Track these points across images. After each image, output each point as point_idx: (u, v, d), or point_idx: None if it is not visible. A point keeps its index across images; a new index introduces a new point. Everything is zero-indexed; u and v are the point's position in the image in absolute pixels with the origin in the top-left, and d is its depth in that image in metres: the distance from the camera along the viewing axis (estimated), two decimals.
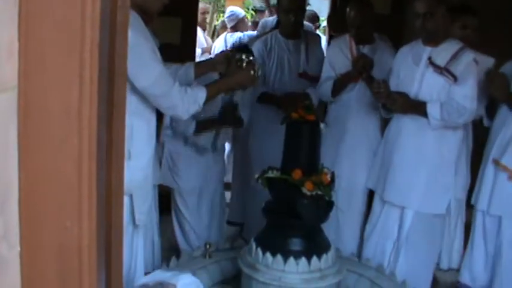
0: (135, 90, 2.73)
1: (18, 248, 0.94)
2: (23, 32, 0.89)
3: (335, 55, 4.21)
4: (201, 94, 2.88)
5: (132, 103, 2.75)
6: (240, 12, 6.91)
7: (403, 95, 3.59)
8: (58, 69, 0.89)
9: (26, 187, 0.90)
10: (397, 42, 4.19)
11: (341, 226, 4.11)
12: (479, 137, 3.95)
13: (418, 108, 3.55)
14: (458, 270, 4.07)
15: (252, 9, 10.91)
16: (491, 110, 3.84)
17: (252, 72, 3.04)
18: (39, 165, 0.91)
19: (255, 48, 4.39)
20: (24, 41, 0.89)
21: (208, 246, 3.47)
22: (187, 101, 2.83)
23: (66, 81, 0.89)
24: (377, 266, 3.55)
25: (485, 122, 3.91)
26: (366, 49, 4.10)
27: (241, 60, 3.07)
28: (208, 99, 2.93)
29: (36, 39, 0.89)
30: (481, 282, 3.87)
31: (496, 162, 3.67)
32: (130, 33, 2.58)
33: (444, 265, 4.20)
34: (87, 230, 0.93)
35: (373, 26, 4.08)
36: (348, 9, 4.06)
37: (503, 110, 3.70)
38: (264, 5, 7.60)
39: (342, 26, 4.36)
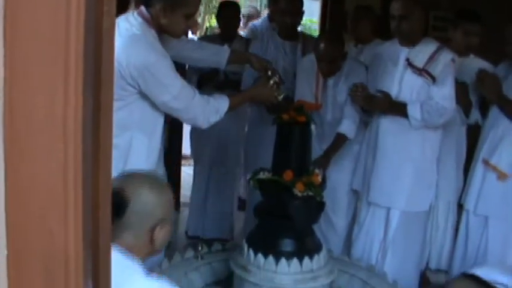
0: (139, 104, 2.75)
1: (6, 252, 0.94)
2: (8, 40, 0.89)
3: (300, 77, 4.15)
4: (223, 104, 2.93)
5: (134, 116, 2.77)
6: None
7: (386, 95, 3.61)
8: (43, 75, 0.89)
9: (12, 194, 0.91)
10: (378, 36, 4.23)
11: (326, 227, 4.12)
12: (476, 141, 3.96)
13: (398, 109, 3.57)
14: (447, 272, 4.11)
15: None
16: (484, 110, 3.87)
17: (275, 93, 3.13)
18: (24, 172, 0.91)
19: (254, 48, 4.42)
20: (9, 48, 0.89)
21: (200, 248, 3.47)
22: (209, 111, 2.88)
23: (50, 87, 0.89)
24: (369, 266, 3.56)
25: (482, 124, 3.93)
26: (332, 80, 4.04)
27: (272, 78, 3.13)
28: (231, 109, 2.98)
29: (21, 46, 0.89)
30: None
31: (486, 162, 3.69)
32: (151, 52, 2.64)
33: (433, 265, 4.23)
34: (73, 236, 0.93)
35: (343, 59, 4.01)
36: (318, 42, 3.99)
37: (494, 111, 3.73)
38: (251, 10, 7.54)
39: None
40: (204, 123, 2.94)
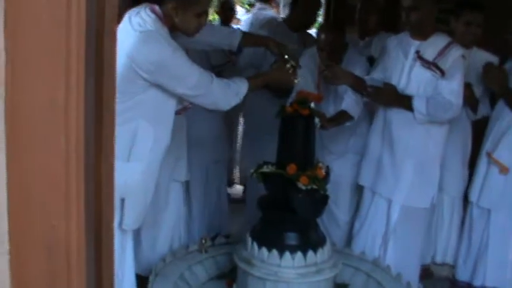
0: (147, 95, 2.76)
1: (7, 247, 0.94)
2: (10, 32, 0.88)
3: (302, 69, 4.14)
4: (243, 87, 2.99)
5: (142, 106, 2.78)
6: None
7: (391, 87, 3.58)
8: (44, 69, 0.89)
9: (14, 186, 0.90)
10: (391, 33, 4.19)
11: (328, 221, 4.12)
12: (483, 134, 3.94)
13: (403, 101, 3.53)
14: (453, 266, 4.10)
15: (247, 4, 10.89)
16: (493, 103, 3.85)
17: (292, 77, 3.18)
18: (26, 165, 0.91)
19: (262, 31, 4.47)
20: (11, 42, 0.88)
21: (204, 241, 3.47)
22: (230, 94, 2.95)
23: (52, 80, 0.89)
24: (373, 260, 3.55)
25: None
26: None
27: (289, 62, 3.18)
28: (251, 91, 3.04)
29: (22, 40, 0.89)
30: (459, 275, 3.94)
31: (489, 155, 3.68)
32: (166, 47, 2.67)
33: (438, 259, 4.22)
34: (75, 229, 0.93)
35: (344, 49, 4.00)
36: (319, 32, 4.00)
37: (499, 104, 3.71)
38: None
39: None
40: (225, 106, 3.01)
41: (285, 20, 4.71)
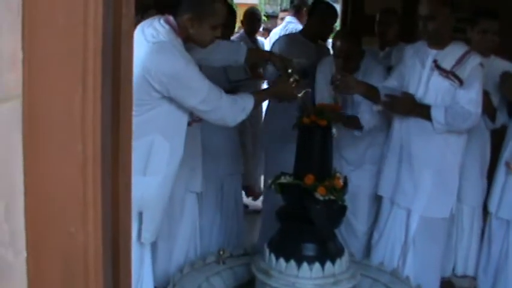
0: (163, 109, 2.78)
1: (25, 254, 0.95)
2: (27, 41, 0.90)
3: (319, 79, 4.16)
4: (249, 102, 2.99)
5: (157, 120, 2.80)
6: None
7: (409, 96, 3.57)
8: (61, 77, 0.90)
9: (31, 193, 0.91)
10: (405, 40, 4.19)
11: (346, 232, 4.10)
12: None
13: (421, 111, 3.51)
14: (474, 277, 4.06)
15: (264, 15, 10.93)
16: (510, 112, 3.82)
17: (295, 90, 3.17)
18: (44, 172, 0.91)
19: (278, 44, 4.48)
20: (28, 50, 0.90)
21: (222, 252, 3.47)
22: (236, 110, 2.94)
23: (69, 88, 0.90)
24: (391, 271, 3.53)
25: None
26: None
27: (292, 76, 3.20)
28: (256, 106, 3.05)
29: (40, 48, 0.90)
30: (481, 287, 3.89)
31: (507, 165, 3.64)
32: (179, 59, 2.70)
33: (459, 271, 4.17)
34: (93, 237, 0.94)
35: (361, 56, 4.02)
36: (335, 39, 4.01)
37: None
38: (276, 11, 7.63)
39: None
40: (232, 122, 3.00)
41: (303, 31, 4.74)
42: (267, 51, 3.81)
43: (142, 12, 3.59)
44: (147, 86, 2.68)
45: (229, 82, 4.10)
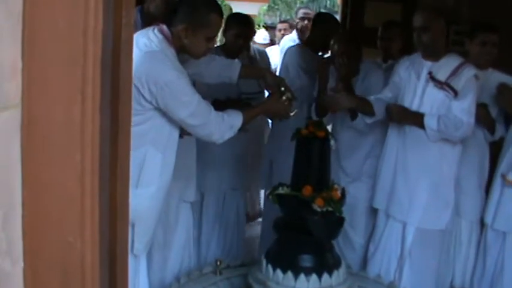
0: (155, 121, 2.77)
1: (22, 264, 0.94)
2: (26, 50, 0.90)
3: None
4: (237, 120, 2.95)
5: (150, 132, 2.79)
6: None
7: (396, 104, 3.60)
8: (60, 86, 0.90)
9: (29, 202, 0.91)
10: (408, 53, 4.19)
11: (343, 244, 4.09)
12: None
13: (415, 118, 3.52)
14: None
15: (263, 26, 10.96)
16: (509, 124, 3.83)
17: (287, 109, 3.15)
18: (42, 181, 0.92)
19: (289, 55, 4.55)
20: (28, 59, 0.90)
21: (219, 263, 3.46)
22: (224, 128, 2.90)
23: (68, 97, 0.90)
24: (389, 283, 3.52)
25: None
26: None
27: (285, 94, 3.15)
28: (245, 124, 3.01)
29: (39, 57, 0.90)
30: None
31: (503, 178, 3.65)
32: (170, 69, 2.68)
33: (457, 284, 4.16)
34: (90, 246, 0.94)
35: (360, 59, 4.05)
36: (334, 42, 4.05)
37: None
38: (275, 22, 7.62)
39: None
40: (218, 139, 2.96)
41: (306, 42, 4.75)
42: (262, 68, 3.78)
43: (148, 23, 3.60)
44: (137, 95, 2.66)
45: (241, 94, 4.09)
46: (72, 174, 0.91)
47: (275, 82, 3.28)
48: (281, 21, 8.50)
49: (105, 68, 0.96)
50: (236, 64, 3.32)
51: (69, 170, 0.91)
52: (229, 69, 3.29)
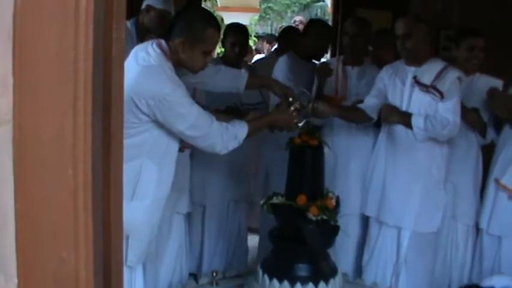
0: (152, 133, 2.76)
1: (16, 280, 0.94)
2: (18, 66, 0.90)
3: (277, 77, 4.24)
4: (242, 130, 2.90)
5: (146, 144, 2.78)
6: None
7: (389, 104, 3.62)
8: (52, 101, 0.90)
9: (22, 218, 0.91)
10: (399, 58, 4.23)
11: (336, 251, 4.09)
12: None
13: (402, 117, 3.54)
14: None
15: (254, 36, 10.99)
16: (499, 128, 3.85)
17: (295, 120, 3.07)
18: (34, 196, 0.91)
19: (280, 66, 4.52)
20: (19, 75, 0.90)
21: (215, 274, 3.45)
22: (227, 138, 2.85)
23: (59, 112, 0.90)
24: None
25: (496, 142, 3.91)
26: (354, 71, 4.19)
27: (293, 104, 3.08)
28: (250, 135, 2.95)
29: (30, 73, 0.90)
30: None
31: (497, 182, 3.67)
32: (166, 83, 2.68)
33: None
34: (84, 261, 0.93)
35: (368, 46, 4.12)
36: (345, 25, 4.14)
37: (506, 129, 3.71)
38: (266, 31, 7.65)
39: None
40: (222, 150, 2.90)
41: (296, 50, 4.73)
42: (268, 78, 3.76)
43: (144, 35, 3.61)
44: (134, 109, 2.66)
45: (241, 104, 4.09)
46: (65, 189, 0.91)
47: (282, 91, 3.25)
48: (267, 42, 8.30)
49: (96, 82, 0.96)
50: (243, 74, 3.30)
51: (61, 185, 0.91)
52: (237, 80, 3.27)
